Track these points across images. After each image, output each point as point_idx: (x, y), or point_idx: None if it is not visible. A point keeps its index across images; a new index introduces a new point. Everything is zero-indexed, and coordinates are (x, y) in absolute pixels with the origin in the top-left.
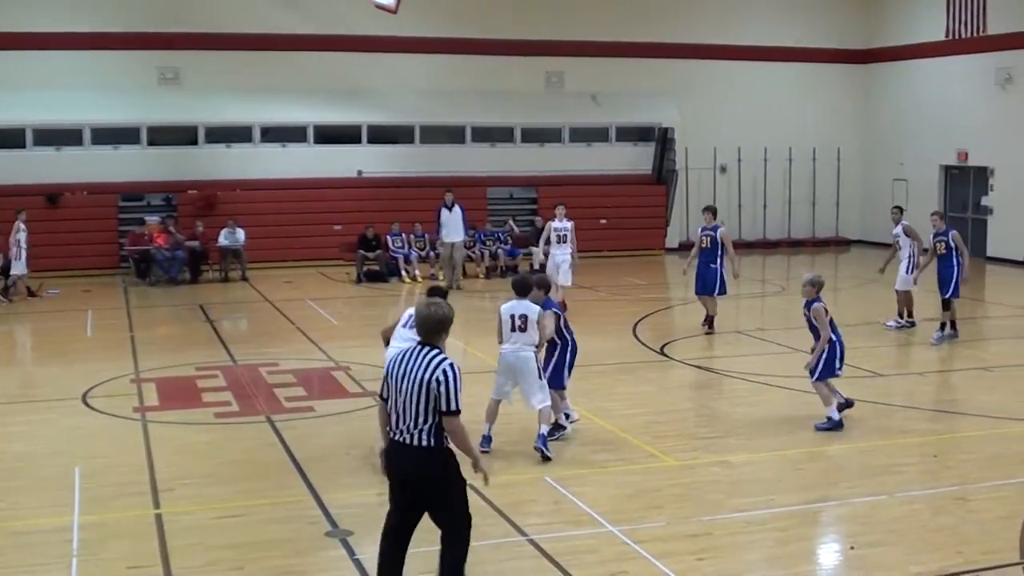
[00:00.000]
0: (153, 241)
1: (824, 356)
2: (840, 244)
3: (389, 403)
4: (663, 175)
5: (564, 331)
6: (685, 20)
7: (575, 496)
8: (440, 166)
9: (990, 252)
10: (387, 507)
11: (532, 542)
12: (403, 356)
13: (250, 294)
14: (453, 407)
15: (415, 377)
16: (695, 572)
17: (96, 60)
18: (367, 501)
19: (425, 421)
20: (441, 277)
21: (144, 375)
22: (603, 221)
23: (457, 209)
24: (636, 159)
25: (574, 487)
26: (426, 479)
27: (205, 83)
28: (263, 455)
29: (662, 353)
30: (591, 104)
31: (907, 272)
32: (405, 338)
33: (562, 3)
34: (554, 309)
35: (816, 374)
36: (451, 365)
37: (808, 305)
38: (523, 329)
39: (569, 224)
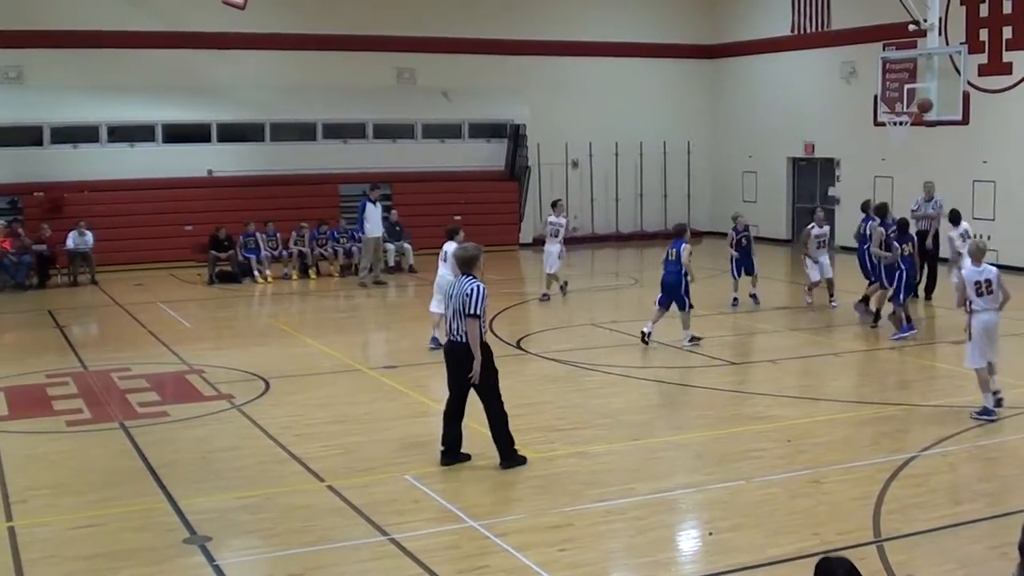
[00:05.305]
0: None
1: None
2: (692, 236)
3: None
4: (516, 171)
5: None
6: (534, 17)
7: (435, 493)
8: (292, 164)
9: (838, 241)
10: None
11: (393, 541)
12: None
13: (100, 298)
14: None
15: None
16: (556, 563)
17: None
18: (225, 506)
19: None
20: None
21: None
22: (457, 218)
23: (379, 204)
24: (489, 155)
25: (434, 484)
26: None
27: (49, 82)
28: (117, 463)
29: (519, 347)
30: (443, 100)
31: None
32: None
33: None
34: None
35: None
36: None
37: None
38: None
39: (563, 220)
